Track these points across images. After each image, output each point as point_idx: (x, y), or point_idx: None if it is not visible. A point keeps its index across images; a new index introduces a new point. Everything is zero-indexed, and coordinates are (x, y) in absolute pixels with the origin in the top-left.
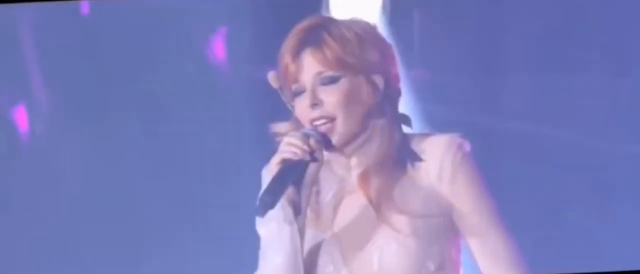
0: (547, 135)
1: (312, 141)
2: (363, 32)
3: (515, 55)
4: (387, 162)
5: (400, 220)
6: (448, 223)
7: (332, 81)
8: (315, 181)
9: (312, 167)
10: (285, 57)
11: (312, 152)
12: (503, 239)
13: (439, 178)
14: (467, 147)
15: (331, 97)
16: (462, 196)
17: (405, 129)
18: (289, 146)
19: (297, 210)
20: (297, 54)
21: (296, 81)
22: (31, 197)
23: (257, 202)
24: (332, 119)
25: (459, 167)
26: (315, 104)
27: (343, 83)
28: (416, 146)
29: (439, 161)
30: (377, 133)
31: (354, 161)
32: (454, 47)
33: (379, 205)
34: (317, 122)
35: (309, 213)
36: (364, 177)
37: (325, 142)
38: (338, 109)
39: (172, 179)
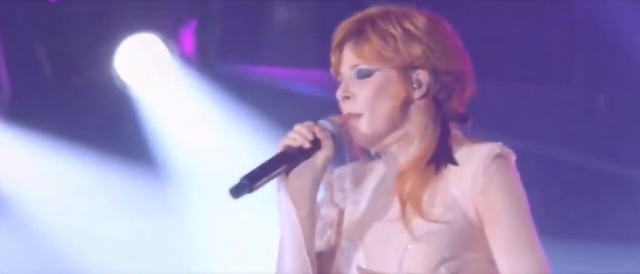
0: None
1: (318, 130)
2: (414, 28)
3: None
4: (424, 163)
5: (419, 224)
6: (473, 232)
7: (367, 74)
8: (323, 174)
9: (318, 158)
10: (333, 48)
11: (314, 142)
12: (536, 257)
13: (472, 188)
14: (508, 158)
15: (363, 91)
16: (493, 208)
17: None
18: (293, 133)
19: (302, 208)
20: (340, 45)
21: (338, 72)
22: None
23: (235, 184)
24: (359, 116)
25: (492, 178)
26: (347, 97)
27: (377, 77)
28: (458, 150)
29: (474, 170)
30: (419, 132)
31: (390, 162)
32: None
33: (406, 207)
34: (348, 117)
35: (333, 211)
36: (401, 177)
37: (348, 137)
38: (366, 105)
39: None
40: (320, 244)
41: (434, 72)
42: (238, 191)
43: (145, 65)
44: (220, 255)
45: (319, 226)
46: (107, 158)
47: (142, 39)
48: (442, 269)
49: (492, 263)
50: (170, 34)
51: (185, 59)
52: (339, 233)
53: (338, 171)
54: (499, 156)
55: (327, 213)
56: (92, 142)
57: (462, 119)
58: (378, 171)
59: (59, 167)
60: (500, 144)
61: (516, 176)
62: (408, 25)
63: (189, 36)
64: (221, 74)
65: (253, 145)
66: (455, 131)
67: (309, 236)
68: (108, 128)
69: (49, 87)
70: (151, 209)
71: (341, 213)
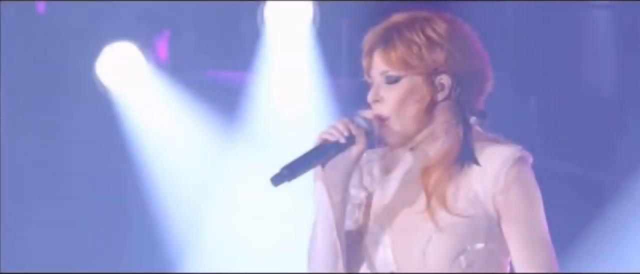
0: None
1: (353, 127)
2: (436, 35)
3: None
4: (449, 159)
5: (443, 216)
6: (491, 226)
7: (394, 80)
8: (355, 166)
9: (352, 152)
10: (364, 54)
11: (349, 137)
12: (549, 254)
13: (493, 186)
14: (527, 160)
15: (390, 95)
16: (513, 208)
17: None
18: (330, 128)
19: (334, 195)
20: (370, 51)
21: (369, 75)
22: None
23: (276, 172)
24: (385, 120)
25: (513, 179)
26: (377, 100)
27: (404, 83)
28: (479, 149)
29: (496, 171)
30: (443, 130)
31: (417, 154)
32: None
33: (431, 199)
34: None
35: (362, 194)
36: (427, 171)
37: (379, 136)
38: (393, 109)
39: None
40: (348, 224)
41: (455, 75)
42: (278, 179)
43: (124, 71)
44: (203, 256)
45: (348, 207)
46: (88, 155)
47: (121, 47)
48: (461, 258)
49: (506, 255)
50: (146, 43)
51: (159, 65)
52: (366, 214)
53: (366, 155)
54: (521, 159)
55: (356, 194)
56: (75, 141)
57: (482, 115)
58: (405, 161)
59: (44, 162)
60: (520, 147)
61: (534, 178)
62: (430, 33)
63: (163, 44)
64: (193, 78)
65: (223, 145)
66: (475, 127)
67: (340, 219)
68: (90, 128)
69: (37, 90)
70: (129, 208)
71: (369, 195)
